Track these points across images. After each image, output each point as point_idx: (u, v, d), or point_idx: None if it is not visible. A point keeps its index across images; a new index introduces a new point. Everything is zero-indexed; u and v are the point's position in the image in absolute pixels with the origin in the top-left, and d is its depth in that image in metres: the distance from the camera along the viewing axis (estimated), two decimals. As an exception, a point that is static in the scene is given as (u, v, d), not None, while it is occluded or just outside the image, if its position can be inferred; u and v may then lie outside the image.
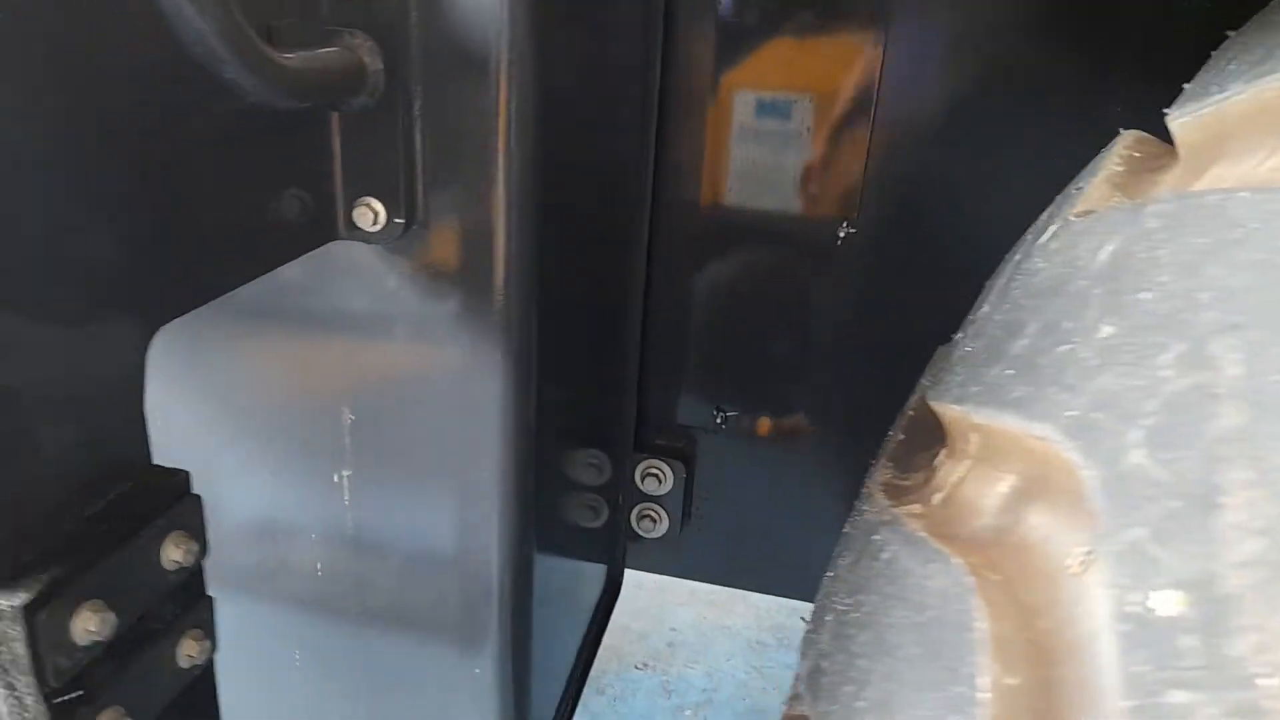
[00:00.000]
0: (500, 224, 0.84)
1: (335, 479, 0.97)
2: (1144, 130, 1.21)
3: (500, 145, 0.81)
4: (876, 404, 1.46)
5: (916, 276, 1.35)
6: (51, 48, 0.50)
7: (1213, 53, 0.70)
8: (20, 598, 0.49)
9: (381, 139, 0.79)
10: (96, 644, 0.54)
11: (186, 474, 0.62)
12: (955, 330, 1.34)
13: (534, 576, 1.03)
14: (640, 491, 1.54)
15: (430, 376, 0.91)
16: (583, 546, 1.42)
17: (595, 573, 1.54)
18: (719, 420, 1.52)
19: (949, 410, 0.64)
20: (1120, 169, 0.72)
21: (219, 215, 0.70)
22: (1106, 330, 0.47)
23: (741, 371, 1.50)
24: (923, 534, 0.56)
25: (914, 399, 0.85)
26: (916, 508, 0.62)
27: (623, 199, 1.32)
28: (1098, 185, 0.70)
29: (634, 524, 1.57)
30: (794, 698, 0.86)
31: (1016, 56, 1.23)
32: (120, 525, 0.57)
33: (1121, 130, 0.78)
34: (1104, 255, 0.52)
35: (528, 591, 1.02)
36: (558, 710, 1.33)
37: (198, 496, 0.63)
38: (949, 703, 0.46)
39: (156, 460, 0.99)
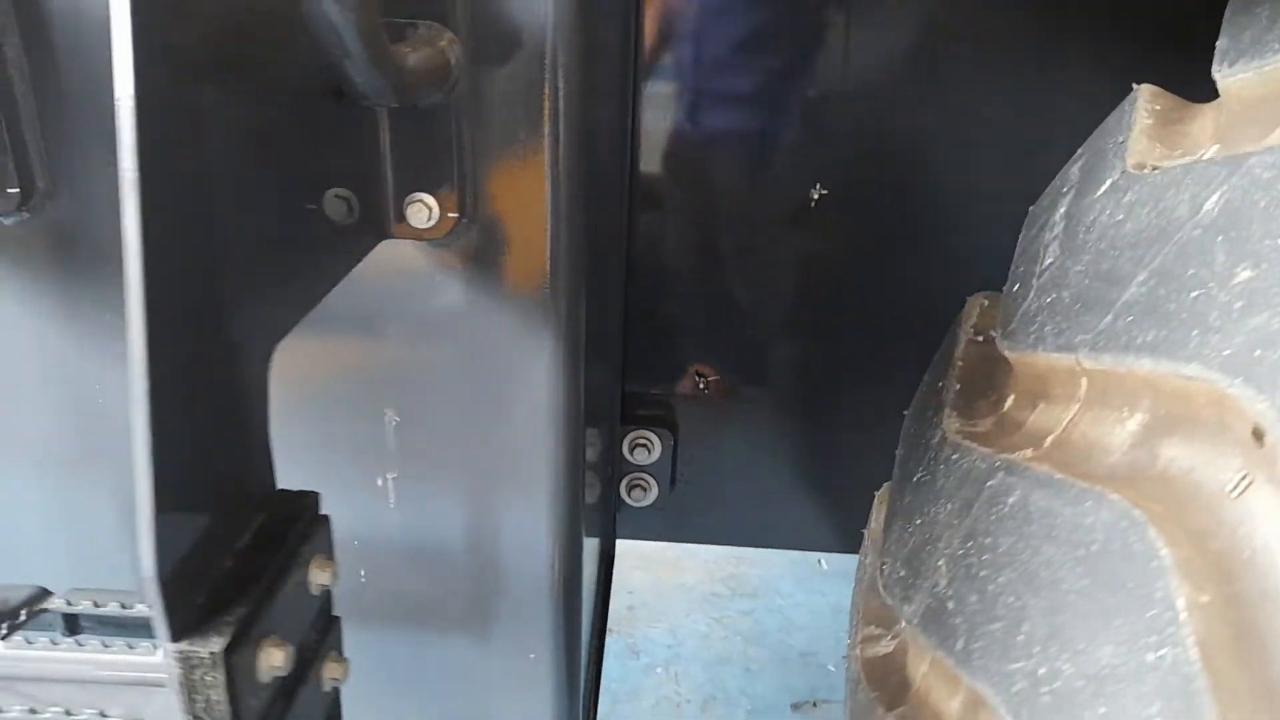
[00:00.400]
0: (549, 213, 0.83)
1: (380, 483, 0.95)
2: (1098, 90, 1.30)
3: (548, 132, 0.80)
4: (854, 360, 1.52)
5: (891, 235, 1.41)
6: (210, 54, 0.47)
7: (1227, 11, 0.76)
8: (217, 643, 0.47)
9: (435, 132, 0.76)
10: (277, 680, 0.52)
11: (317, 495, 0.60)
12: (930, 287, 1.42)
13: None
14: (630, 462, 1.56)
15: (478, 372, 0.89)
16: (586, 523, 1.43)
17: (593, 548, 1.55)
18: (701, 386, 1.55)
19: (1045, 359, 0.68)
20: (1150, 122, 0.77)
21: (294, 220, 0.66)
22: (1245, 274, 0.52)
23: (721, 336, 1.52)
24: (1060, 475, 0.60)
25: (958, 350, 0.89)
26: (1028, 451, 0.66)
27: (608, 171, 1.31)
28: (1138, 138, 0.75)
29: (625, 494, 1.59)
30: (868, 639, 0.91)
31: (981, 20, 1.29)
32: (274, 555, 0.54)
33: (1135, 85, 0.83)
34: (1210, 205, 0.57)
35: (577, 575, 1.02)
36: (585, 687, 1.34)
37: (328, 516, 0.61)
38: (1144, 626, 0.50)
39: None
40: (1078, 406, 0.65)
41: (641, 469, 1.57)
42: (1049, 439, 0.66)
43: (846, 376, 1.54)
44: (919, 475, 0.83)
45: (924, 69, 1.33)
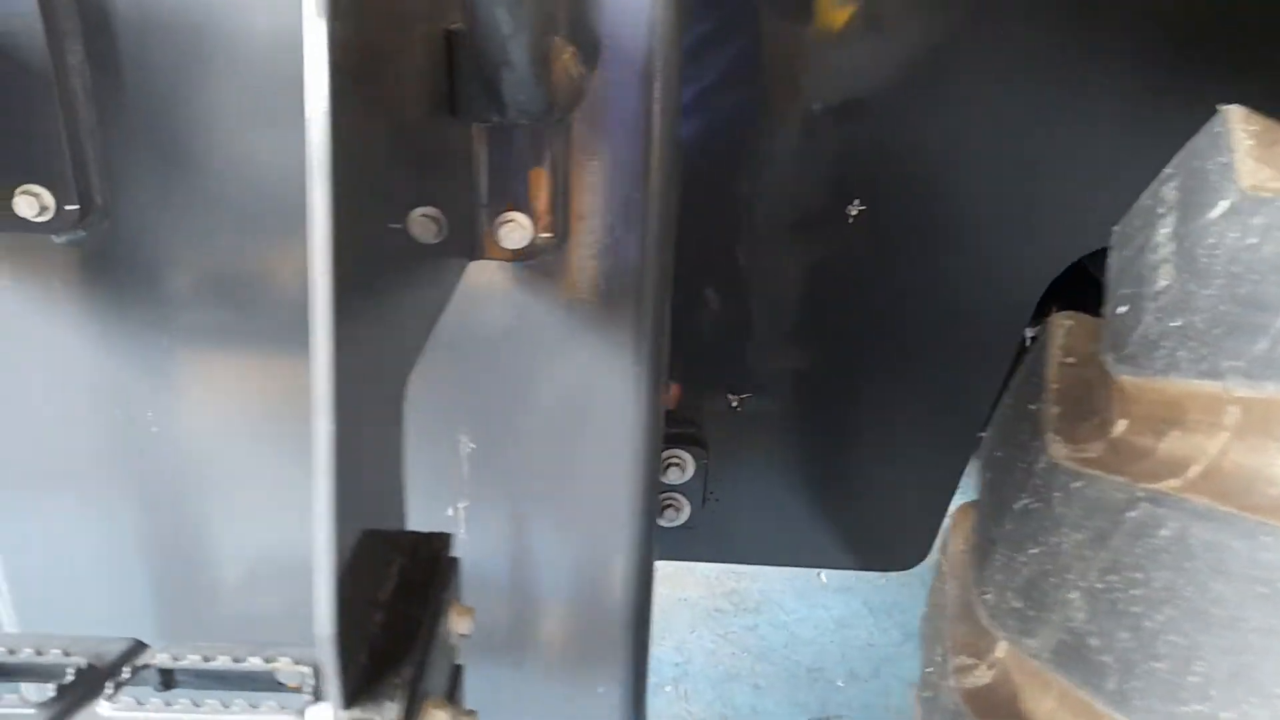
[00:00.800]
0: (641, 231, 0.80)
1: (450, 512, 0.90)
2: (1130, 105, 1.29)
3: (644, 149, 0.77)
4: (892, 379, 1.51)
5: (931, 251, 1.39)
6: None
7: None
8: (391, 709, 0.43)
9: (534, 148, 0.73)
10: (436, 744, 0.48)
11: (448, 536, 0.56)
12: (969, 306, 1.40)
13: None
14: (662, 482, 1.53)
15: (560, 395, 0.86)
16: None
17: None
18: (735, 405, 1.52)
19: (1180, 385, 0.67)
20: (1251, 144, 0.76)
21: (380, 241, 0.63)
22: None
23: (755, 354, 1.50)
24: (1225, 508, 0.58)
25: (1050, 371, 0.88)
26: (1173, 481, 0.65)
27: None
28: (1243, 160, 0.74)
29: (658, 515, 1.55)
30: (962, 669, 0.88)
31: (1012, 30, 1.28)
32: (420, 608, 0.51)
33: (1219, 107, 0.82)
34: (1374, 230, 0.56)
35: (648, 604, 0.99)
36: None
37: (460, 559, 0.57)
38: (1354, 669, 0.48)
39: (246, 492, 0.90)
40: (1227, 435, 0.63)
41: (674, 489, 1.54)
42: (1193, 469, 0.64)
43: (877, 393, 1.53)
44: (1023, 501, 0.81)
45: (962, 80, 1.32)
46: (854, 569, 1.81)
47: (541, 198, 0.75)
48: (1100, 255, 1.42)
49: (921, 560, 1.67)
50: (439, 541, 0.55)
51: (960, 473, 1.57)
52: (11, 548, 0.94)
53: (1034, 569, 0.75)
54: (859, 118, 1.32)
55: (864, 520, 1.65)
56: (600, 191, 0.77)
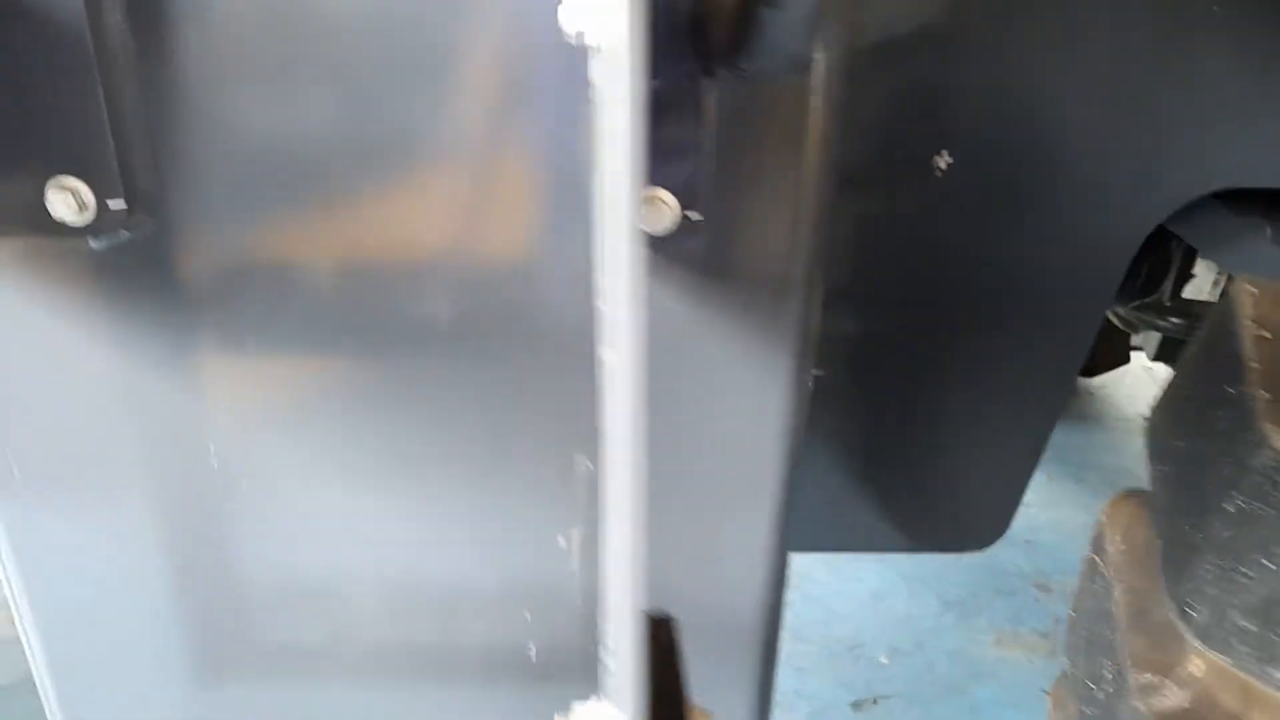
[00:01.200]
0: (794, 217, 0.68)
1: (561, 542, 0.79)
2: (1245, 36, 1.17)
3: (806, 124, 0.64)
4: (974, 349, 1.40)
5: (1020, 206, 1.28)
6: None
7: None
8: None
9: (687, 114, 0.60)
10: None
11: (676, 621, 0.45)
12: (1056, 267, 1.29)
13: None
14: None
15: (696, 408, 0.74)
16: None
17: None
18: (809, 383, 1.41)
19: None
20: None
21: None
22: None
23: (832, 326, 1.39)
24: None
25: (1245, 348, 0.77)
26: None
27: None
28: None
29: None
30: (1147, 689, 0.79)
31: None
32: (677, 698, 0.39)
33: None
34: None
35: (777, 636, 0.88)
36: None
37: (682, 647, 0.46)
38: None
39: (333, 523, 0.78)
40: None
41: (743, 478, 1.43)
42: None
43: (956, 365, 1.42)
44: (1236, 503, 0.70)
45: (1053, 26, 1.20)
46: (925, 551, 1.72)
47: (690, 173, 0.63)
48: (1183, 213, 1.33)
49: (997, 539, 1.59)
50: (669, 628, 0.44)
51: (1043, 446, 1.48)
52: (32, 559, 0.81)
53: (1273, 585, 0.65)
54: (944, 58, 1.20)
55: (940, 500, 1.56)
56: (753, 173, 0.65)
